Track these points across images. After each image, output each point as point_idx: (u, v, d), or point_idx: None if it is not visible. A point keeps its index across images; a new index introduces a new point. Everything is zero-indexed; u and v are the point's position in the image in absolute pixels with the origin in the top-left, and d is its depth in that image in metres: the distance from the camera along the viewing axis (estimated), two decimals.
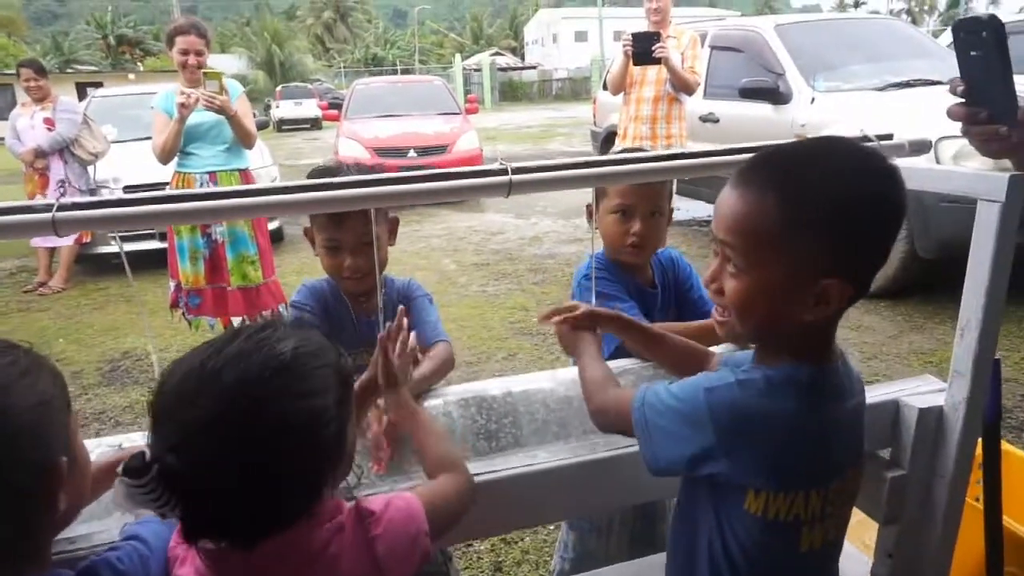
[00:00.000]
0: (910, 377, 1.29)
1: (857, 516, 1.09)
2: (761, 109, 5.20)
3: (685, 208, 6.26)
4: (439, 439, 1.08)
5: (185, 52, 3.40)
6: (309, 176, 1.44)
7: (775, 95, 5.09)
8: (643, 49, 4.58)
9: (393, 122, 9.04)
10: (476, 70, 33.08)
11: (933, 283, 4.30)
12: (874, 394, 1.20)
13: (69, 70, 31.68)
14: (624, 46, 4.68)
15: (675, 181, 1.76)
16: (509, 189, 1.09)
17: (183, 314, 3.70)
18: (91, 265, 6.08)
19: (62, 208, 0.96)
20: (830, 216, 0.80)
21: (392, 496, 0.90)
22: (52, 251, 5.77)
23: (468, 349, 4.02)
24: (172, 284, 3.71)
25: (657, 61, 4.60)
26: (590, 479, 1.12)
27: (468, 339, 4.18)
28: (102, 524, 1.00)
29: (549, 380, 1.34)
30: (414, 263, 5.92)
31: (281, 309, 1.52)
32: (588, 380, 1.11)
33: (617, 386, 1.08)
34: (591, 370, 1.12)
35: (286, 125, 24.37)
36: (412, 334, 1.17)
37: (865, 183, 0.82)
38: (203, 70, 3.41)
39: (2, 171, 7.45)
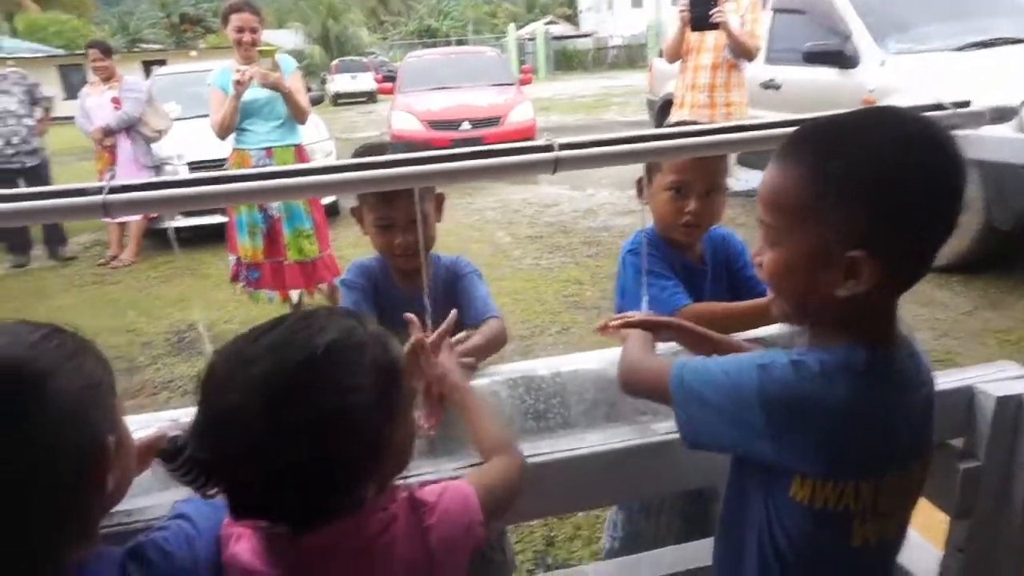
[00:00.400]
0: (986, 362, 1.21)
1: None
2: (826, 74, 4.95)
3: (745, 179, 6.08)
4: (491, 420, 1.07)
5: (240, 30, 3.44)
6: (354, 154, 1.44)
7: (841, 59, 4.83)
8: (701, 14, 4.41)
9: (446, 94, 9.01)
10: (530, 39, 32.63)
11: (1010, 256, 4.06)
12: (947, 380, 1.13)
13: (136, 49, 32.66)
14: (681, 11, 4.51)
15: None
16: (555, 166, 1.06)
17: (243, 287, 3.80)
18: (159, 239, 6.30)
19: (113, 191, 0.97)
20: (865, 188, 0.76)
21: (446, 485, 0.89)
22: (123, 226, 6.00)
23: (522, 323, 4.01)
24: (232, 258, 3.81)
25: (715, 26, 4.42)
26: (640, 464, 1.09)
27: (522, 312, 4.18)
28: (159, 498, 1.03)
29: (599, 360, 1.31)
30: (468, 235, 5.93)
31: (337, 282, 1.55)
32: (627, 349, 1.09)
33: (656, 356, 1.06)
34: (633, 345, 1.09)
35: (342, 99, 24.62)
36: (453, 311, 1.16)
37: (910, 154, 0.77)
38: (256, 47, 3.45)
39: (77, 148, 7.77)
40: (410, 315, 1.12)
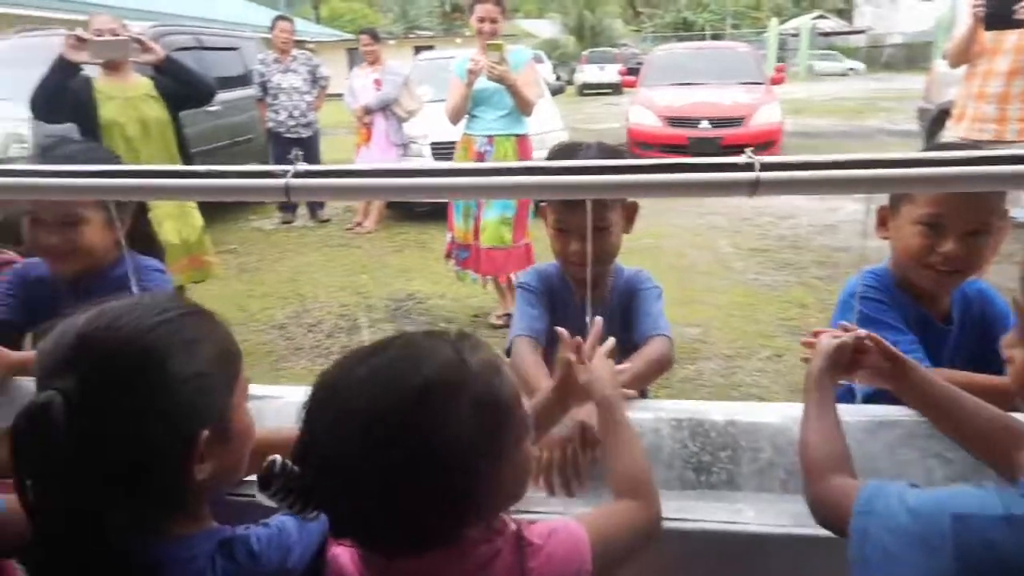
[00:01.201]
0: None
1: None
2: None
3: None
4: (633, 455, 0.96)
5: (481, 20, 3.55)
6: (549, 154, 1.37)
7: None
8: (1000, 9, 3.70)
9: (689, 90, 8.68)
10: (793, 35, 30.41)
11: None
12: None
13: (411, 35, 35.92)
14: (974, 6, 3.83)
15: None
16: (755, 188, 0.90)
17: (453, 265, 3.98)
18: (399, 211, 6.85)
19: (296, 175, 1.00)
20: None
21: (557, 525, 0.81)
22: None
23: (729, 342, 3.73)
24: (448, 236, 3.99)
25: (1019, 24, 3.69)
26: (809, 560, 0.91)
27: (732, 330, 3.89)
28: None
29: (783, 415, 1.12)
30: (688, 241, 5.66)
31: (515, 278, 1.52)
32: (810, 448, 0.89)
33: (843, 467, 0.85)
34: (814, 431, 0.90)
35: (588, 89, 24.94)
36: (611, 341, 1.05)
37: None
38: (496, 38, 3.54)
39: (344, 123, 8.76)
40: (561, 329, 1.04)
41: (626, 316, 1.35)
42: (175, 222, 3.29)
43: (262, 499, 0.66)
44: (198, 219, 3.46)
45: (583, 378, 1.01)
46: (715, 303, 4.28)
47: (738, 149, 0.90)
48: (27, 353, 1.33)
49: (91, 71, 3.22)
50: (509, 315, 4.05)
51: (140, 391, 0.70)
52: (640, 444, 1.01)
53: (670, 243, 5.56)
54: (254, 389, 1.28)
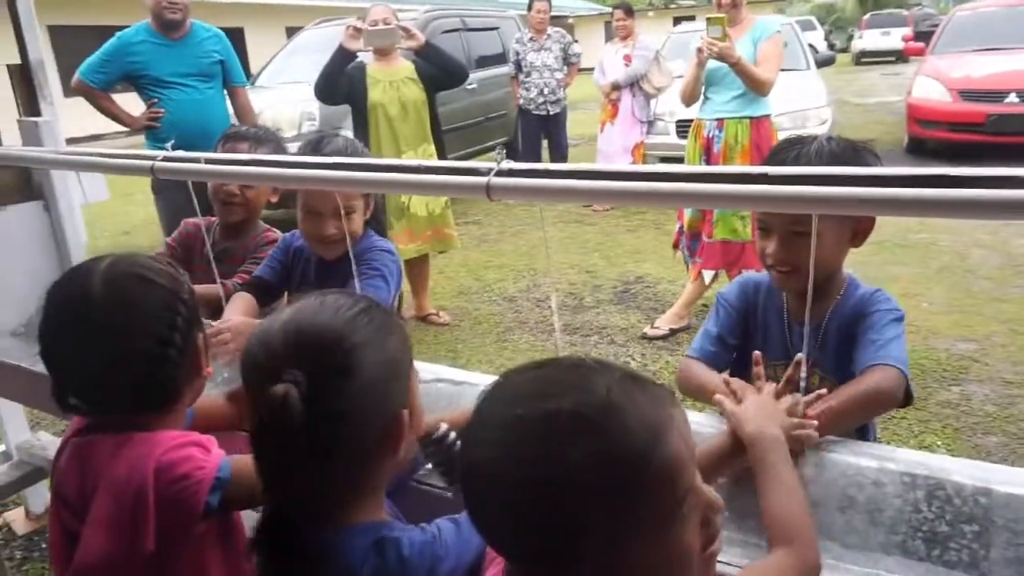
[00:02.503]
0: None
1: None
2: None
3: None
4: (786, 501, 0.86)
5: None
6: (768, 157, 1.22)
7: None
8: None
9: (996, 57, 7.33)
10: None
11: None
12: None
13: (672, 5, 34.88)
14: None
15: None
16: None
17: (682, 255, 3.79)
18: None
19: (499, 174, 1.00)
20: None
21: None
22: None
23: (1012, 363, 3.12)
24: (678, 225, 3.81)
25: None
26: None
27: (1017, 350, 3.24)
28: None
29: None
30: (973, 239, 4.80)
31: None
32: None
33: None
34: None
35: (866, 57, 22.24)
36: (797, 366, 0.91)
37: None
38: (738, 8, 3.26)
39: (592, 98, 8.83)
40: (758, 353, 0.92)
41: (848, 344, 1.16)
42: (422, 196, 3.55)
43: (419, 456, 0.68)
44: None
45: (728, 410, 0.97)
46: (999, 315, 3.60)
47: None
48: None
49: (365, 57, 3.58)
50: None
51: (356, 377, 0.75)
52: (799, 489, 0.90)
53: (949, 240, 4.78)
54: (455, 374, 1.34)
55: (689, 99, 3.58)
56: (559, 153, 6.76)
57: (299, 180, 1.20)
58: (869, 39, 23.01)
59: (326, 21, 7.20)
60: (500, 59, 7.56)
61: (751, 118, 3.43)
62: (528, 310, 4.14)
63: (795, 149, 1.11)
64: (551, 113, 6.65)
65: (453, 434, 0.83)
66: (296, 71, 6.21)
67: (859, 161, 1.10)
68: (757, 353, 1.09)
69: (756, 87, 3.34)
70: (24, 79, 1.95)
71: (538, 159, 6.90)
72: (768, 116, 3.50)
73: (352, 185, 1.17)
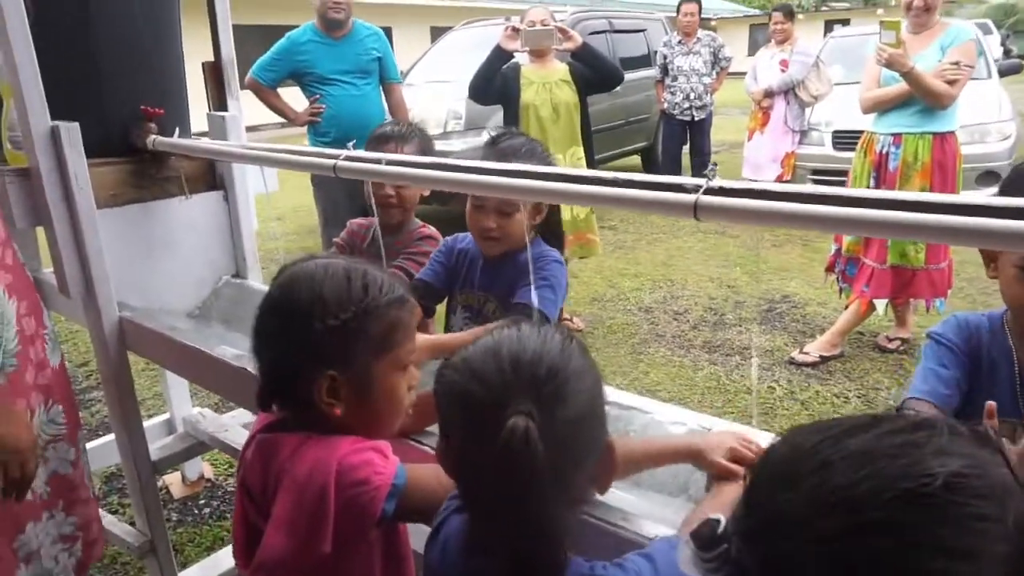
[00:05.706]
0: None
1: None
2: None
3: None
4: None
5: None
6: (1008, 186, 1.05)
7: None
8: None
9: None
10: None
11: None
12: None
13: (824, 7, 32.99)
14: None
15: None
16: None
17: (836, 280, 3.51)
18: None
19: (708, 192, 0.92)
20: None
21: None
22: None
23: None
24: (834, 247, 3.53)
25: None
26: None
27: None
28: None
29: None
30: None
31: (926, 331, 1.19)
32: None
33: None
34: None
35: None
36: None
37: None
38: (931, 14, 2.95)
39: (741, 102, 8.44)
40: (992, 404, 0.78)
41: None
42: None
43: (687, 561, 0.59)
44: None
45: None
46: None
47: None
48: (437, 337, 1.48)
49: (521, 58, 3.58)
50: (904, 340, 3.46)
51: (576, 406, 0.71)
52: None
53: None
54: (619, 397, 1.26)
55: (869, 109, 3.29)
56: (701, 160, 6.53)
57: (485, 187, 1.17)
58: None
59: (473, 22, 7.33)
60: (645, 62, 7.40)
61: (934, 134, 3.10)
62: (665, 322, 3.99)
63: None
64: (696, 119, 6.43)
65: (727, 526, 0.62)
66: (443, 70, 6.36)
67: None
68: (991, 404, 0.95)
69: (933, 100, 3.02)
70: (215, 75, 2.07)
71: (679, 166, 6.69)
72: (953, 132, 3.15)
73: (539, 195, 1.13)
